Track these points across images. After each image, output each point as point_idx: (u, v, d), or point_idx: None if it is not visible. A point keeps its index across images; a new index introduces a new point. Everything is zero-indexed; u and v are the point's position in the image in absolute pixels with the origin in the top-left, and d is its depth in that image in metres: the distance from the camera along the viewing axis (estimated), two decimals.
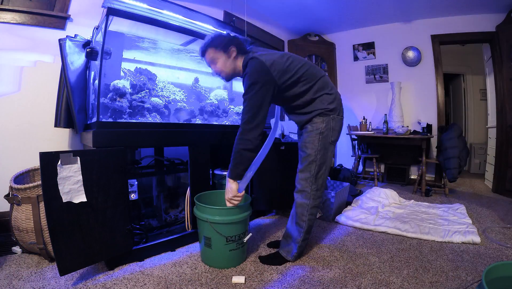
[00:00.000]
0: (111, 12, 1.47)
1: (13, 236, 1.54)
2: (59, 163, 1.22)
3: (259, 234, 1.98)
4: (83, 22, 2.15)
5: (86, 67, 1.89)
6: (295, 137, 3.67)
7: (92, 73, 1.85)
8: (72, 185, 1.27)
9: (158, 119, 1.78)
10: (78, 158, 1.28)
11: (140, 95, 1.72)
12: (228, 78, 1.50)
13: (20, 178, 1.65)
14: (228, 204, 1.44)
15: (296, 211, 1.53)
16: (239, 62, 1.45)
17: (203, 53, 1.47)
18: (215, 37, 1.44)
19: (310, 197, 1.48)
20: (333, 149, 1.52)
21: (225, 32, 1.52)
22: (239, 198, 1.42)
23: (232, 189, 1.40)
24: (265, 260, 1.58)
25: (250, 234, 1.58)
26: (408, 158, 3.85)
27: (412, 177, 3.89)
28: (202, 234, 1.52)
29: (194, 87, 2.25)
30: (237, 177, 1.39)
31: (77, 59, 1.82)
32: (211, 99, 2.20)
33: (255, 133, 1.33)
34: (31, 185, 1.46)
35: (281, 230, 2.07)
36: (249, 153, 1.35)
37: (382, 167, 4.12)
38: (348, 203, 2.71)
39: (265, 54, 1.38)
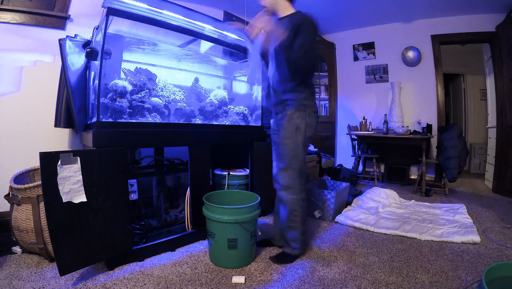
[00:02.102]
0: (111, 12, 1.48)
1: (13, 236, 1.54)
2: (59, 163, 1.22)
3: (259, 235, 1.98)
4: (83, 22, 2.15)
5: (86, 67, 1.89)
6: None
7: (92, 73, 1.85)
8: (72, 185, 1.27)
9: (158, 119, 1.77)
10: (78, 158, 1.28)
11: (140, 95, 1.72)
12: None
13: (20, 178, 1.65)
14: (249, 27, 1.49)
15: (289, 209, 1.55)
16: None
17: None
18: None
19: (297, 193, 1.54)
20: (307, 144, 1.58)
21: None
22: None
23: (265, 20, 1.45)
24: (276, 259, 1.59)
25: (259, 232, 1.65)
26: (408, 158, 3.84)
27: (412, 177, 3.89)
28: (224, 237, 1.49)
29: (194, 87, 2.25)
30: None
31: (77, 59, 1.82)
32: (211, 99, 2.20)
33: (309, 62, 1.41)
34: (31, 185, 1.46)
35: None
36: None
37: (382, 167, 4.12)
38: (348, 203, 2.71)
39: None
